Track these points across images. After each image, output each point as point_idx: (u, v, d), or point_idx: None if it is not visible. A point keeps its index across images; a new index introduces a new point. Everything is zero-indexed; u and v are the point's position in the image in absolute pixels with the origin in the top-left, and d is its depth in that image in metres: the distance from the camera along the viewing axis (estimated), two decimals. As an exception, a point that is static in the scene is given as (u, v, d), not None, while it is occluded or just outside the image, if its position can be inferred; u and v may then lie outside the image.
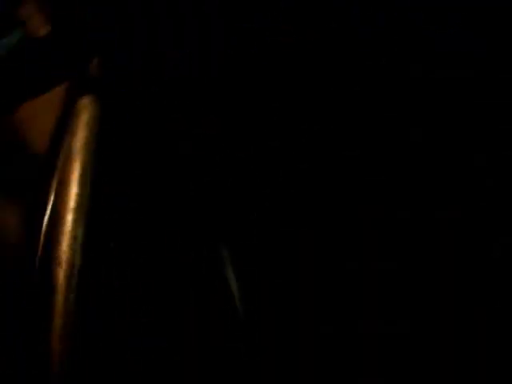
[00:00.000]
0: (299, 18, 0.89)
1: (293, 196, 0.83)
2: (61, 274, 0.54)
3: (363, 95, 0.86)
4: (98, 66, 0.72)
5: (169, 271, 0.76)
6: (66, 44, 0.69)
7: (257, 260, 0.79)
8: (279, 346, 0.75)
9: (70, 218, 0.54)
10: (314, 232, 0.80)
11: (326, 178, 0.83)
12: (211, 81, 0.87)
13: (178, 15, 0.87)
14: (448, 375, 0.73)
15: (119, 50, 0.78)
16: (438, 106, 0.85)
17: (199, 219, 0.80)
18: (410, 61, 0.86)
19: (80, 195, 0.54)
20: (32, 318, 0.57)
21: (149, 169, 0.75)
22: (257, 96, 0.87)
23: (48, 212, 0.55)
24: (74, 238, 0.54)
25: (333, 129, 0.86)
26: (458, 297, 0.76)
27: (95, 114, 0.62)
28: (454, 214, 0.80)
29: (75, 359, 0.56)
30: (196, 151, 0.84)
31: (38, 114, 0.61)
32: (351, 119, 0.86)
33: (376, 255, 0.79)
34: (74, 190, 0.53)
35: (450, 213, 0.80)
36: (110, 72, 0.74)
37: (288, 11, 0.89)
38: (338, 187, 0.83)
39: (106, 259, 0.61)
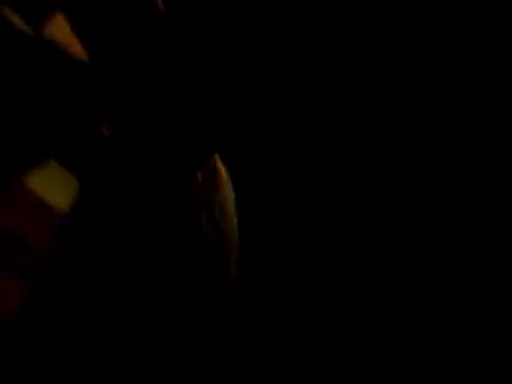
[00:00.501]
0: (299, 18, 0.89)
1: (293, 196, 0.83)
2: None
3: (363, 95, 0.86)
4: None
5: (169, 272, 0.76)
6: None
7: (257, 259, 0.79)
8: (279, 345, 0.75)
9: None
10: (314, 232, 0.80)
11: (326, 178, 0.83)
12: (211, 80, 0.87)
13: (178, 15, 0.87)
14: (448, 375, 0.73)
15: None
16: (438, 106, 0.85)
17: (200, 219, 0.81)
18: (410, 61, 0.86)
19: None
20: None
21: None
22: (257, 96, 0.87)
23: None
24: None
25: (333, 129, 0.86)
26: (458, 297, 0.76)
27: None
28: (454, 214, 0.80)
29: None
30: (198, 151, 0.84)
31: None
32: (351, 119, 0.86)
33: (376, 255, 0.79)
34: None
35: (450, 213, 0.80)
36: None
37: (288, 11, 0.89)
38: (338, 187, 0.83)
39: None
